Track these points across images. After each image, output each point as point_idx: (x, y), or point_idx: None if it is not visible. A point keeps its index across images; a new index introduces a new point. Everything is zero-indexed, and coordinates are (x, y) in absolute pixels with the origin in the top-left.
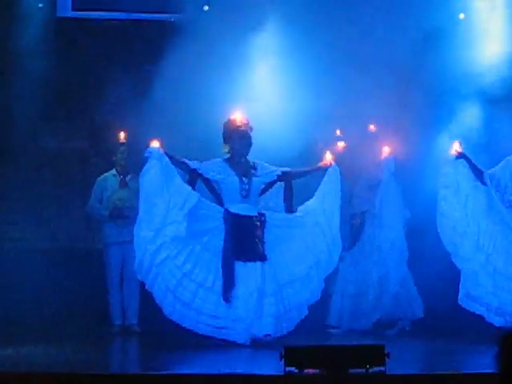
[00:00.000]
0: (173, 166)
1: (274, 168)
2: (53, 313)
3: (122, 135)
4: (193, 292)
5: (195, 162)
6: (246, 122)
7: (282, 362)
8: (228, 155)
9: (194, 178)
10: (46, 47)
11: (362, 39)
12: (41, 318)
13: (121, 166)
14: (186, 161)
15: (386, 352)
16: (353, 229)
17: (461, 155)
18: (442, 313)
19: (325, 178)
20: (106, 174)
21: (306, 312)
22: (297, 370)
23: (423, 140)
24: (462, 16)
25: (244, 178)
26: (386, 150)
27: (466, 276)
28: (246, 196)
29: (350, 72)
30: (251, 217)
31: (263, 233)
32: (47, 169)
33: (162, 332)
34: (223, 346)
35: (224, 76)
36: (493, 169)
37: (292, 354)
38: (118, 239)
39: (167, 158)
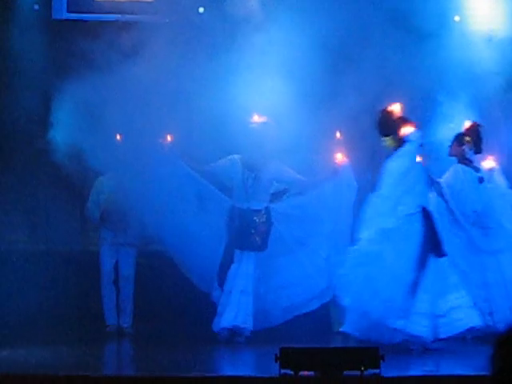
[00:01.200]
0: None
1: None
2: (47, 315)
3: (118, 136)
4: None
5: None
6: None
7: (278, 363)
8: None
9: None
10: (42, 49)
11: (355, 41)
12: (35, 319)
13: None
14: None
15: (380, 354)
16: None
17: None
18: None
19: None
20: (104, 176)
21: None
22: (292, 372)
23: None
24: (456, 18)
25: None
26: (339, 157)
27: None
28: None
29: (340, 74)
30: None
31: None
32: (43, 171)
33: (156, 333)
34: (221, 347)
35: (220, 79)
36: (443, 176)
37: (287, 356)
38: (113, 240)
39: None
